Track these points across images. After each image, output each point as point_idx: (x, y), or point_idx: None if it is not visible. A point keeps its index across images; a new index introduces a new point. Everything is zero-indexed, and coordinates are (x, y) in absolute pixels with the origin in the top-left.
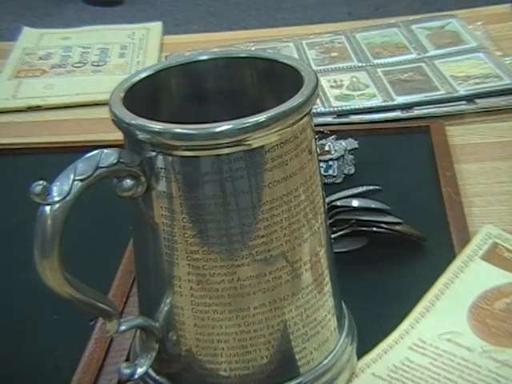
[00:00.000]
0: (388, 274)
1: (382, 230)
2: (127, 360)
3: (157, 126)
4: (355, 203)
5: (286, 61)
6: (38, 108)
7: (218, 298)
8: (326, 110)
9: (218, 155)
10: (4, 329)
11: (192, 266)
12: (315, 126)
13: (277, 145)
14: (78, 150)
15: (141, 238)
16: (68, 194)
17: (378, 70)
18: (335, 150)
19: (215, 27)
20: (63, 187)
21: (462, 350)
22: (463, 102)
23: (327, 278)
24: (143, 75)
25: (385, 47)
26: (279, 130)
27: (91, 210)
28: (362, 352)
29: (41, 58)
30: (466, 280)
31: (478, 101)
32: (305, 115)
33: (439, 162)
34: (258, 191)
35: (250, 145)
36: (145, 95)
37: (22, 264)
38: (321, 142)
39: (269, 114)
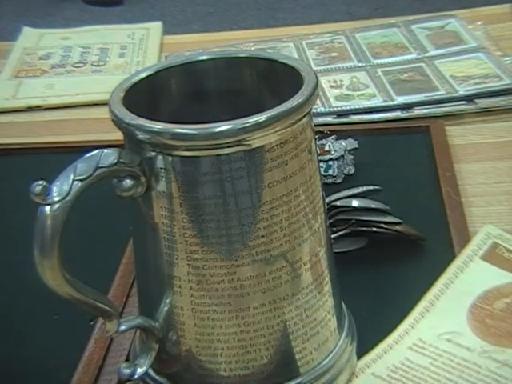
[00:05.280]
0: (388, 274)
1: (382, 230)
2: (127, 360)
3: (157, 126)
4: (355, 203)
5: (285, 61)
6: (38, 108)
7: (217, 298)
8: (326, 110)
9: (217, 155)
10: (4, 328)
11: (192, 266)
12: (315, 126)
13: (277, 145)
14: (78, 150)
15: (141, 238)
16: (68, 193)
17: (378, 70)
18: (335, 150)
19: (215, 27)
20: (63, 187)
21: (462, 350)
22: (463, 102)
23: (327, 278)
24: (143, 75)
25: (385, 47)
26: (279, 130)
27: (91, 210)
28: (361, 352)
29: (41, 58)
30: (466, 280)
31: (477, 101)
32: (305, 115)
33: (439, 162)
34: (257, 191)
35: (249, 145)
36: (145, 95)
37: (22, 264)
38: (321, 142)
39: (269, 114)
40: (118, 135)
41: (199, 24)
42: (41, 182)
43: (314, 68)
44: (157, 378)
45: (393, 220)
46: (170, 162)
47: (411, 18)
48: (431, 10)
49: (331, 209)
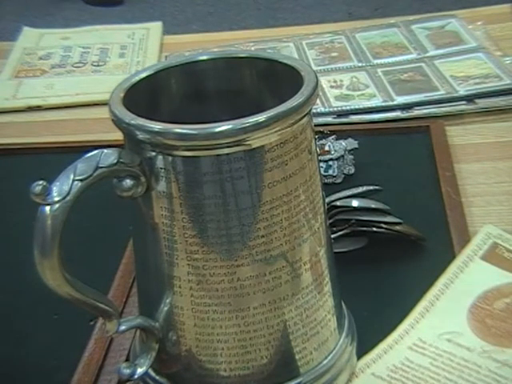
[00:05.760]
0: (388, 274)
1: (382, 230)
2: (127, 360)
3: (157, 126)
4: (355, 203)
5: (285, 61)
6: (38, 108)
7: (217, 298)
8: (326, 110)
9: (217, 155)
10: (4, 328)
11: (192, 266)
12: (315, 126)
13: (277, 145)
14: (78, 150)
15: (141, 238)
16: (68, 194)
17: (378, 70)
18: (335, 150)
19: (215, 27)
20: (63, 187)
21: (462, 350)
22: (463, 102)
23: (327, 278)
24: (143, 75)
25: (385, 47)
26: (279, 130)
27: (91, 210)
28: (361, 352)
29: (41, 58)
30: (466, 280)
31: (477, 101)
32: (305, 115)
33: (439, 162)
34: (257, 191)
35: (249, 145)
36: (145, 95)
37: (22, 264)
38: (321, 142)
39: (269, 114)
40: (118, 135)
41: (199, 24)
42: (41, 182)
43: (314, 68)
44: (157, 377)
45: (393, 220)
46: (170, 162)
47: (411, 17)
48: (431, 10)
49: (331, 209)
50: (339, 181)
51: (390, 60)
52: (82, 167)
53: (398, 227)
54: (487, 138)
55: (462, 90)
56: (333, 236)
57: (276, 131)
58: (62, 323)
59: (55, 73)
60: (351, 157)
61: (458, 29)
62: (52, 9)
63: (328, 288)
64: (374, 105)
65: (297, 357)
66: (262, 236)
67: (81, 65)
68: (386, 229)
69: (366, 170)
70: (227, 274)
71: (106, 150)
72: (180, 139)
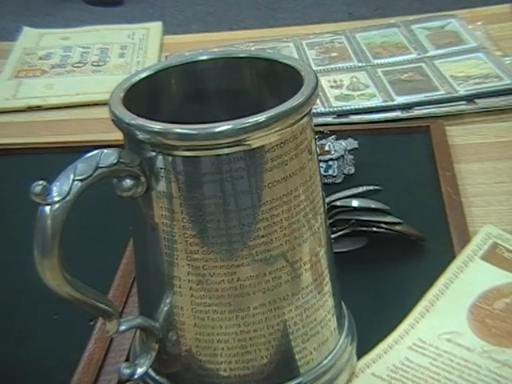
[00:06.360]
0: (388, 274)
1: (382, 230)
2: (127, 360)
3: (157, 126)
4: (355, 203)
5: (285, 61)
6: (38, 108)
7: (217, 298)
8: (326, 110)
9: (217, 155)
10: (4, 328)
11: (192, 266)
12: (315, 126)
13: (277, 145)
14: (78, 150)
15: (141, 238)
16: (68, 194)
17: (378, 70)
18: (335, 150)
19: (215, 27)
20: (63, 187)
21: (462, 350)
22: (463, 102)
23: (327, 278)
24: (143, 75)
25: (385, 47)
26: (279, 130)
27: (91, 210)
28: (361, 352)
29: (41, 58)
30: (466, 280)
31: (477, 101)
32: (305, 115)
33: (439, 162)
34: (257, 191)
35: (249, 145)
36: (145, 95)
37: (22, 264)
38: (321, 142)
39: (269, 114)
40: (118, 135)
41: (199, 24)
42: (41, 182)
43: (314, 68)
44: (157, 377)
45: (393, 220)
46: (170, 162)
47: (411, 17)
48: (431, 10)
49: (331, 209)
50: (339, 181)
51: (390, 60)
52: (81, 167)
53: (398, 227)
54: (487, 137)
55: (462, 90)
56: (333, 236)
57: (276, 131)
58: (62, 323)
59: (55, 73)
60: (351, 157)
61: (457, 29)
62: (52, 9)
63: (328, 288)
64: (374, 105)
65: (297, 357)
66: (262, 236)
67: (81, 65)
68: (386, 229)
69: (366, 169)
70: (227, 273)
71: (105, 150)
72: (180, 139)
